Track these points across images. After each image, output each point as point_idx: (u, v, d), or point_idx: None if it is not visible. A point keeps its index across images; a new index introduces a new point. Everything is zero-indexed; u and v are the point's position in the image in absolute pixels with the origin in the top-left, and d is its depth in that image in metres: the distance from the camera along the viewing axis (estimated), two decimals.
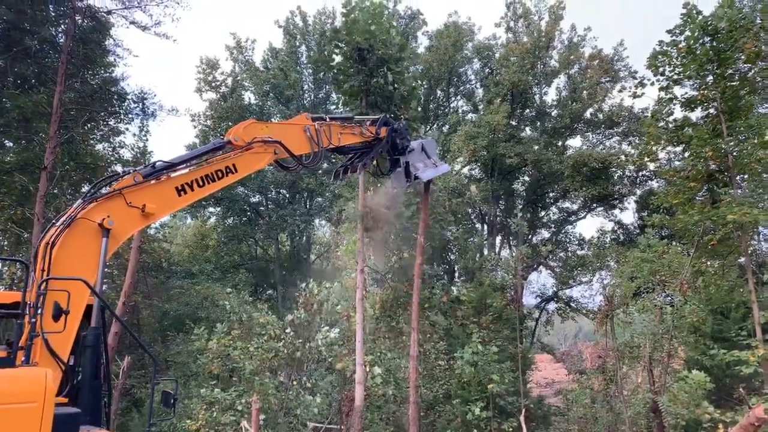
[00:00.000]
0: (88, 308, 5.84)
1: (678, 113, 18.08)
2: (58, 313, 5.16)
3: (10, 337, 5.97)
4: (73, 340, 5.53)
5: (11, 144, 24.89)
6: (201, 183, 6.92)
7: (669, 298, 20.22)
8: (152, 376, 6.72)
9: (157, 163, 6.59)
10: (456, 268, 35.18)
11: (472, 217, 36.55)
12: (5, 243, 26.00)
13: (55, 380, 4.86)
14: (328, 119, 9.35)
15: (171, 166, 6.69)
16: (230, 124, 35.16)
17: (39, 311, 5.12)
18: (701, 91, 16.80)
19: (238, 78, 38.36)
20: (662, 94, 17.61)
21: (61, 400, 5.13)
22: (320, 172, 35.41)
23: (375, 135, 10.32)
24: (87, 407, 5.57)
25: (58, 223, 5.76)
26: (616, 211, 35.83)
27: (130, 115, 26.84)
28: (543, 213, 38.67)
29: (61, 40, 22.56)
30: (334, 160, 24.04)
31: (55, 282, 5.28)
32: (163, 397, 6.61)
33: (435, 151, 12.41)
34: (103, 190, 6.17)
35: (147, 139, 28.11)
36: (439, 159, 12.91)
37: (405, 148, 11.15)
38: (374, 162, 11.01)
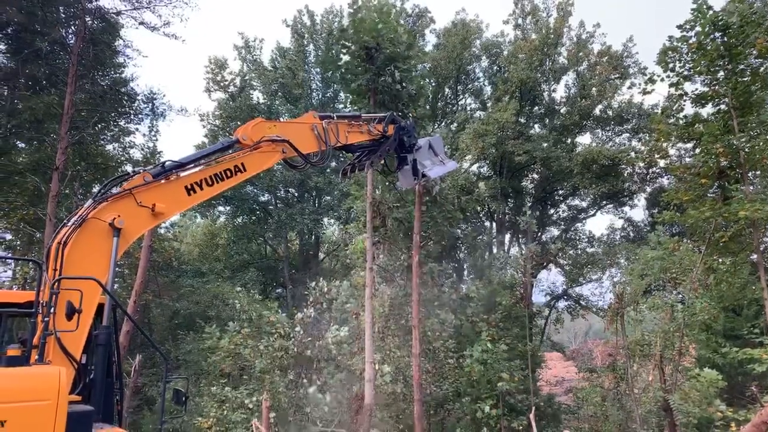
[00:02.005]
0: (100, 307, 5.91)
1: (688, 109, 17.95)
2: (71, 312, 5.23)
3: (22, 335, 6.05)
4: (85, 339, 5.60)
5: (23, 145, 25.14)
6: (210, 182, 6.96)
7: (680, 295, 20.08)
8: (164, 374, 6.79)
9: (167, 163, 6.63)
10: (465, 266, 35.15)
11: (481, 215, 36.48)
12: (18, 243, 26.29)
13: (68, 378, 4.92)
14: (335, 117, 9.35)
15: (180, 165, 6.72)
16: (239, 123, 35.14)
17: (52, 310, 5.20)
18: (712, 87, 16.64)
19: (247, 77, 38.47)
20: (672, 90, 17.46)
21: (74, 398, 5.20)
22: (328, 170, 35.46)
23: (382, 133, 10.30)
24: (99, 405, 5.64)
25: (69, 223, 5.82)
26: (626, 209, 35.70)
27: (139, 116, 27.05)
28: (552, 210, 38.52)
29: (72, 42, 22.74)
30: (342, 159, 24.09)
31: (67, 281, 5.35)
32: (175, 395, 6.67)
33: (442, 148, 12.35)
34: (114, 190, 6.23)
35: (157, 139, 28.35)
36: (447, 157, 12.85)
37: (412, 146, 11.11)
38: (382, 160, 10.99)
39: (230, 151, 7.53)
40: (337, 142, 9.23)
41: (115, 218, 5.88)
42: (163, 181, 6.50)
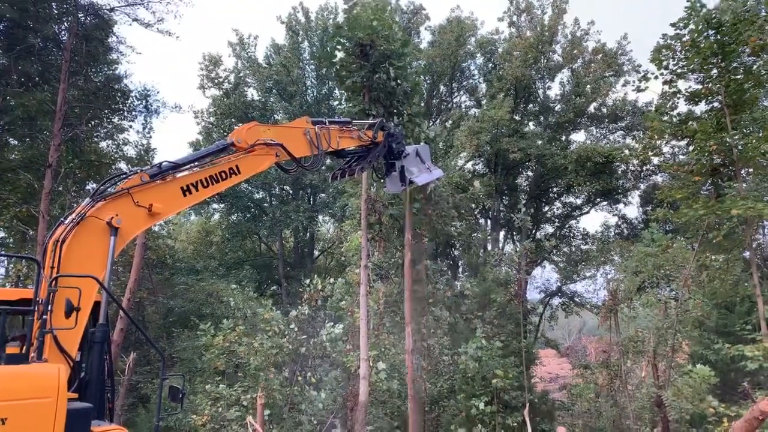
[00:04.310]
0: (96, 305, 5.93)
1: (682, 107, 18.05)
2: (70, 309, 5.25)
3: (14, 333, 6.05)
4: (81, 337, 5.61)
5: (16, 142, 24.97)
6: (206, 183, 7.04)
7: (673, 292, 20.23)
8: (161, 371, 6.82)
9: (163, 164, 6.68)
10: (460, 264, 35.22)
11: (476, 213, 36.52)
12: (11, 240, 26.15)
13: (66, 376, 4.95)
14: (327, 123, 9.46)
15: (176, 166, 6.79)
16: (233, 120, 35.20)
17: (49, 308, 5.21)
18: (705, 85, 16.73)
19: (241, 74, 38.32)
20: (666, 87, 17.55)
21: (72, 395, 5.22)
22: (324, 168, 35.39)
23: (372, 139, 10.45)
24: (95, 402, 5.67)
25: (66, 221, 5.84)
26: (620, 206, 35.81)
27: (133, 113, 26.86)
28: (547, 208, 38.64)
29: (65, 38, 22.59)
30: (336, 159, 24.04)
31: (65, 279, 5.36)
32: (171, 392, 6.70)
33: (429, 156, 12.64)
34: (110, 190, 6.24)
35: (150, 136, 28.23)
36: (434, 164, 13.11)
37: (401, 153, 11.32)
38: (371, 166, 11.16)
39: (225, 154, 7.59)
40: (328, 147, 9.36)
41: (112, 217, 5.92)
42: (159, 182, 6.53)
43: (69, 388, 5.32)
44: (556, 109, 35.95)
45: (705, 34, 16.06)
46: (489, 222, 37.25)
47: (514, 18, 35.67)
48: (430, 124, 35.04)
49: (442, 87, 39.17)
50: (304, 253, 41.18)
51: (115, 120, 26.69)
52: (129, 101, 26.41)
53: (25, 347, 5.04)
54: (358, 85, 16.96)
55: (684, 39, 16.43)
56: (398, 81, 16.83)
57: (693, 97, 17.27)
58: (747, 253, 17.26)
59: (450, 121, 37.11)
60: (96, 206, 5.91)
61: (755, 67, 16.28)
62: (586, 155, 30.40)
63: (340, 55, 17.37)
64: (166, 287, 28.93)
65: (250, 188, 38.03)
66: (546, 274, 37.59)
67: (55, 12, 23.46)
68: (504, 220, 36.35)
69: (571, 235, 38.03)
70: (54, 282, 5.31)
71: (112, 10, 23.23)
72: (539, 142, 32.90)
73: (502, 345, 19.83)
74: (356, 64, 16.76)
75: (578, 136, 37.71)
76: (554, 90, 41.11)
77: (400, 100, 17.31)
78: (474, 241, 31.46)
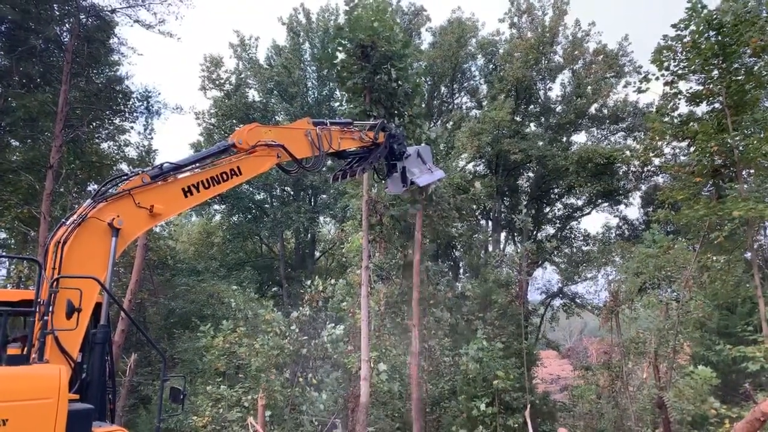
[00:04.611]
0: (97, 306, 5.92)
1: (683, 108, 18.05)
2: (71, 310, 5.25)
3: (15, 334, 6.06)
4: (82, 338, 5.62)
5: (17, 143, 25.02)
6: (207, 185, 7.03)
7: (675, 293, 20.20)
8: (162, 372, 6.82)
9: (164, 165, 6.66)
10: (461, 265, 35.21)
11: (477, 214, 36.49)
12: (12, 241, 26.18)
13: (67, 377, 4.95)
14: (328, 124, 9.46)
15: (178, 167, 6.77)
16: (234, 121, 35.23)
17: (50, 309, 5.21)
18: (706, 86, 16.73)
19: (242, 76, 38.35)
20: (667, 89, 17.55)
21: (73, 396, 5.22)
22: (324, 169, 35.39)
23: (373, 140, 10.44)
24: (96, 403, 5.67)
25: (68, 223, 5.84)
26: (621, 207, 35.77)
27: (134, 114, 26.89)
28: (548, 209, 38.60)
29: (66, 39, 22.63)
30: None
31: (66, 280, 5.36)
32: (172, 393, 6.69)
33: (431, 157, 12.63)
34: (111, 191, 6.24)
35: (152, 138, 28.26)
36: (435, 165, 13.11)
37: (402, 154, 11.31)
38: (372, 167, 11.14)
39: (226, 155, 7.59)
40: (330, 148, 9.36)
41: (114, 218, 5.91)
42: (160, 183, 6.52)
43: (70, 389, 5.32)
44: (557, 110, 35.95)
45: (706, 35, 16.06)
46: (490, 223, 37.23)
47: (515, 19, 35.68)
48: (431, 125, 35.03)
49: (443, 88, 39.19)
50: (305, 254, 41.19)
51: (117, 121, 26.74)
52: (130, 102, 26.47)
53: (26, 348, 5.04)
54: (359, 87, 16.97)
55: (685, 40, 16.43)
56: (399, 82, 16.84)
57: (694, 98, 17.26)
58: (748, 254, 17.23)
59: (451, 122, 37.11)
60: (97, 207, 5.90)
61: (756, 68, 16.29)
62: (587, 156, 30.36)
63: (341, 56, 17.38)
64: (167, 288, 28.92)
65: (251, 189, 38.05)
66: (547, 276, 37.52)
67: (57, 14, 23.51)
68: (505, 221, 36.33)
69: (572, 236, 37.99)
70: (55, 283, 5.31)
71: (113, 11, 23.26)
72: (540, 143, 32.88)
73: (503, 346, 19.84)
74: (357, 66, 16.77)
75: (579, 138, 37.74)
76: (555, 91, 41.23)
77: (401, 101, 17.32)
78: (475, 243, 31.47)
